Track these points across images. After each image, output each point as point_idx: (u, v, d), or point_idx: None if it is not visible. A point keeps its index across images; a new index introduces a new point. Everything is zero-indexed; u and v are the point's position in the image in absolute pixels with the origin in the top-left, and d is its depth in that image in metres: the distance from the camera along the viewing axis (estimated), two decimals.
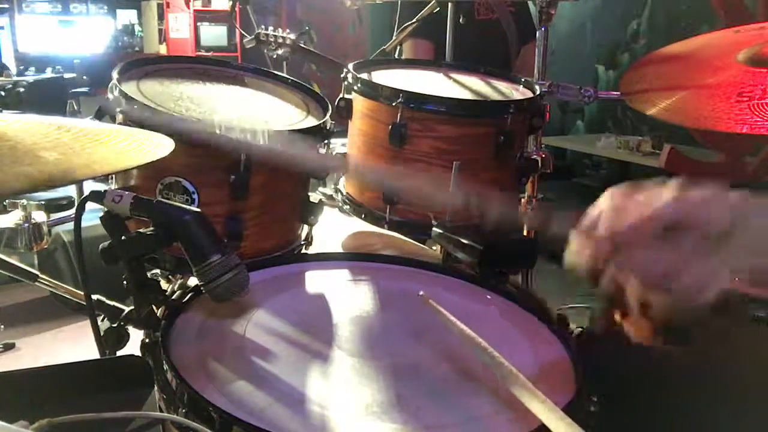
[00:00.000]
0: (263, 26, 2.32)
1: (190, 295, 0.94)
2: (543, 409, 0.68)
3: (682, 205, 0.64)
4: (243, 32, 2.58)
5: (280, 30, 2.37)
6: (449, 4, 1.87)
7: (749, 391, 0.94)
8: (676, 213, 0.64)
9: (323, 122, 1.24)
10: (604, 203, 0.69)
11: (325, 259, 1.15)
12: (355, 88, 1.34)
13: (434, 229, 1.18)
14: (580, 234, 0.69)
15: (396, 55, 2.13)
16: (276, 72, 1.50)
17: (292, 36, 2.32)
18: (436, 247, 1.42)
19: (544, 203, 1.70)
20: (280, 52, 2.33)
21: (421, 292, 0.90)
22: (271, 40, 2.33)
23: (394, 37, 1.99)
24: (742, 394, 0.94)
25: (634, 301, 0.67)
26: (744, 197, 0.65)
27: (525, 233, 1.69)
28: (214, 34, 7.58)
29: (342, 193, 1.43)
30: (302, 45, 2.35)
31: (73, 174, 0.69)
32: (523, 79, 1.50)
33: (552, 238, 0.70)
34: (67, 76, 6.59)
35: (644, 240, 0.64)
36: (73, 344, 2.83)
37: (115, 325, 1.07)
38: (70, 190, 2.55)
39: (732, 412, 0.94)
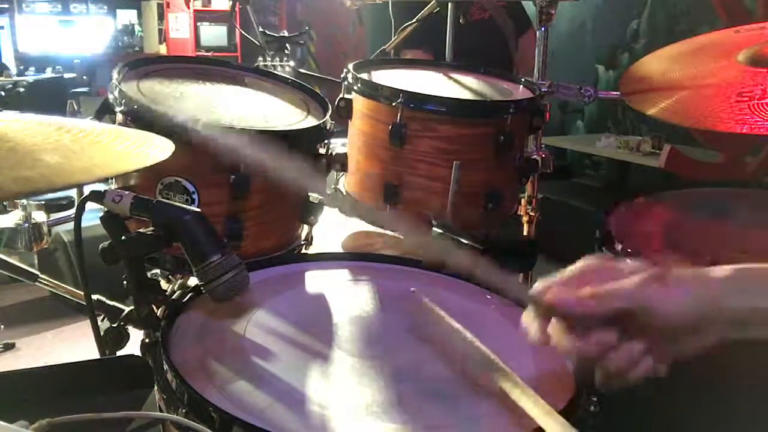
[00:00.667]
0: (261, 58, 2.32)
1: (190, 295, 0.94)
2: (535, 409, 0.69)
3: (640, 296, 0.64)
4: (243, 32, 2.58)
5: (277, 59, 2.39)
6: (448, 5, 1.87)
7: (747, 392, 0.94)
8: (630, 301, 0.64)
9: (323, 122, 1.24)
10: (576, 267, 0.70)
11: (325, 259, 1.15)
12: (355, 88, 1.34)
13: (434, 229, 1.18)
14: (536, 300, 0.70)
15: None
16: (276, 72, 1.50)
17: (291, 63, 2.34)
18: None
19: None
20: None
21: (412, 288, 0.90)
22: (270, 68, 2.35)
23: (394, 38, 1.99)
24: (741, 395, 0.94)
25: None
26: (726, 278, 0.65)
27: (525, 234, 1.70)
28: (214, 34, 7.58)
29: (342, 193, 1.43)
30: (303, 71, 2.36)
31: (73, 177, 0.69)
32: (523, 79, 1.50)
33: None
34: (67, 76, 6.59)
35: (586, 317, 0.66)
36: (73, 344, 2.83)
37: (115, 325, 1.07)
38: (70, 190, 2.55)
39: (731, 412, 0.94)
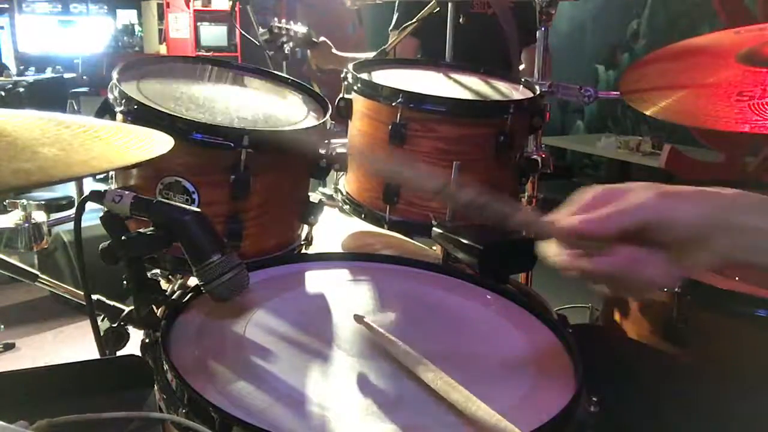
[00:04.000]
0: (276, 19, 2.34)
1: (190, 295, 0.94)
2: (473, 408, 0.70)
3: (651, 209, 0.65)
4: (243, 32, 2.58)
5: (292, 23, 2.40)
6: (448, 4, 1.87)
7: (749, 389, 0.94)
8: (640, 216, 0.65)
9: (323, 122, 1.24)
10: (580, 196, 0.71)
11: (325, 259, 1.15)
12: (355, 88, 1.34)
13: (434, 229, 1.18)
14: (548, 224, 0.70)
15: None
16: (276, 72, 1.50)
17: (304, 29, 2.34)
18: (436, 247, 1.42)
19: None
20: (291, 44, 2.36)
21: (355, 314, 0.90)
22: (283, 32, 2.36)
23: (394, 38, 1.99)
24: (742, 393, 0.94)
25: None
26: (732, 196, 0.66)
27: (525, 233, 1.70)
28: (214, 34, 7.58)
29: (342, 193, 1.43)
30: (313, 39, 2.36)
31: (72, 170, 0.69)
32: (523, 79, 1.50)
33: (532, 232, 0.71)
34: (67, 76, 6.60)
35: (605, 235, 0.66)
36: (73, 344, 2.83)
37: (115, 325, 1.07)
38: (70, 190, 2.55)
39: (731, 410, 0.94)
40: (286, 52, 2.36)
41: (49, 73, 6.85)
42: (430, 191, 0.67)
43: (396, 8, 2.41)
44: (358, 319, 0.89)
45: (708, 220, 0.64)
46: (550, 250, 0.71)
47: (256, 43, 2.43)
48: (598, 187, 0.70)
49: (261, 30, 2.37)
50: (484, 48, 2.16)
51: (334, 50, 2.45)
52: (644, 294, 0.66)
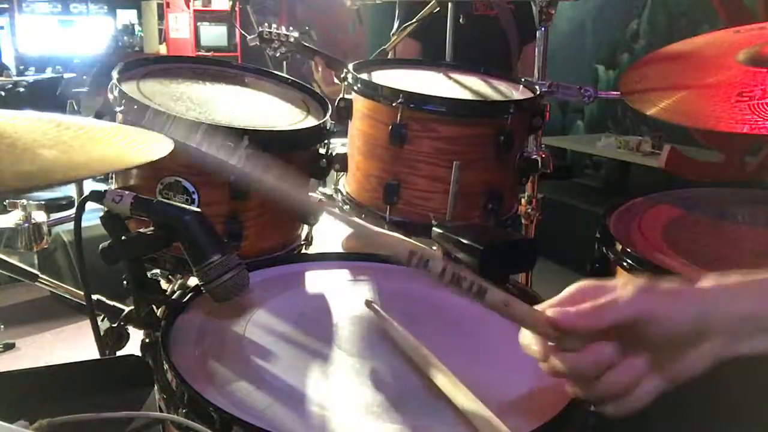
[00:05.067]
0: (266, 24, 2.32)
1: (190, 295, 0.94)
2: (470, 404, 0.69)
3: (636, 306, 0.61)
4: (243, 32, 2.58)
5: (283, 28, 2.38)
6: (449, 4, 1.87)
7: (749, 390, 0.94)
8: (626, 313, 0.61)
9: (323, 122, 1.24)
10: (567, 291, 0.67)
11: (325, 259, 1.15)
12: (355, 88, 1.34)
13: (434, 229, 1.18)
14: (529, 312, 0.66)
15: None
16: (276, 72, 1.50)
17: (296, 34, 2.32)
18: (436, 247, 1.41)
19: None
20: (283, 50, 2.33)
21: (366, 298, 0.91)
22: (275, 38, 2.34)
23: (394, 38, 1.99)
24: (742, 393, 0.94)
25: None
26: (722, 289, 0.62)
27: (524, 233, 1.70)
28: (214, 34, 7.58)
29: (342, 193, 1.43)
30: (306, 44, 2.35)
31: (72, 172, 0.69)
32: (523, 79, 1.50)
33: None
34: (67, 76, 6.60)
35: (584, 332, 0.62)
36: (73, 344, 2.83)
37: (115, 325, 1.07)
38: (70, 190, 2.55)
39: (732, 410, 0.94)
40: (277, 55, 2.35)
41: (49, 74, 6.85)
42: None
43: (397, 12, 2.40)
44: (368, 303, 0.90)
45: (695, 317, 0.61)
46: (526, 340, 0.68)
47: (257, 44, 2.43)
48: (586, 281, 0.67)
49: (250, 36, 2.35)
50: (486, 48, 2.16)
51: (336, 80, 2.44)
52: (618, 405, 0.62)
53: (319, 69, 2.26)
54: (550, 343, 0.66)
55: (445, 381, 0.74)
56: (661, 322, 0.61)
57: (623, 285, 0.64)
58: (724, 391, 0.92)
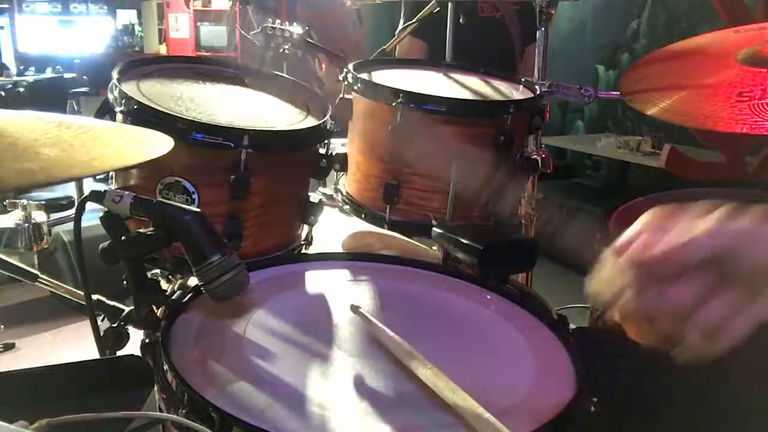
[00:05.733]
0: (270, 20, 2.31)
1: (190, 295, 0.94)
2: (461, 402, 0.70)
3: (723, 238, 0.57)
4: (243, 32, 2.58)
5: (286, 24, 2.38)
6: (449, 4, 1.87)
7: (750, 390, 0.94)
8: (713, 246, 0.56)
9: (323, 122, 1.24)
10: (643, 223, 0.62)
11: (325, 259, 1.15)
12: (355, 87, 1.34)
13: (434, 229, 1.18)
14: (609, 258, 0.61)
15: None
16: (276, 72, 1.50)
17: (300, 30, 2.32)
18: (436, 247, 1.42)
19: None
20: (286, 46, 2.33)
21: (351, 303, 0.91)
22: (278, 34, 2.34)
23: (394, 37, 1.99)
24: (742, 393, 0.94)
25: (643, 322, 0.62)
26: None
27: (524, 233, 1.69)
28: (214, 34, 7.58)
29: (342, 193, 1.43)
30: (308, 40, 2.35)
31: (73, 171, 0.69)
32: (523, 79, 1.50)
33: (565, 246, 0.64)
34: (67, 76, 6.60)
35: (672, 270, 0.58)
36: (73, 344, 2.83)
37: (115, 325, 1.07)
38: (70, 190, 2.55)
39: (732, 410, 0.94)
40: (280, 52, 2.35)
41: (49, 74, 6.85)
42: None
43: (402, 11, 2.40)
44: (354, 308, 0.90)
45: None
46: (598, 285, 0.62)
47: (256, 43, 2.42)
48: (655, 211, 0.62)
49: (252, 32, 2.35)
50: (490, 50, 2.17)
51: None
52: (717, 341, 0.56)
53: (323, 66, 2.26)
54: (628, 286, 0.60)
55: (439, 383, 0.74)
56: (749, 253, 0.56)
57: (704, 212, 0.59)
58: (724, 391, 0.93)
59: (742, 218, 0.58)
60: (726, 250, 0.56)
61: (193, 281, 0.95)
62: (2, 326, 2.75)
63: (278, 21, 2.28)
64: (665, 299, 0.58)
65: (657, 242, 0.59)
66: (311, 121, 1.26)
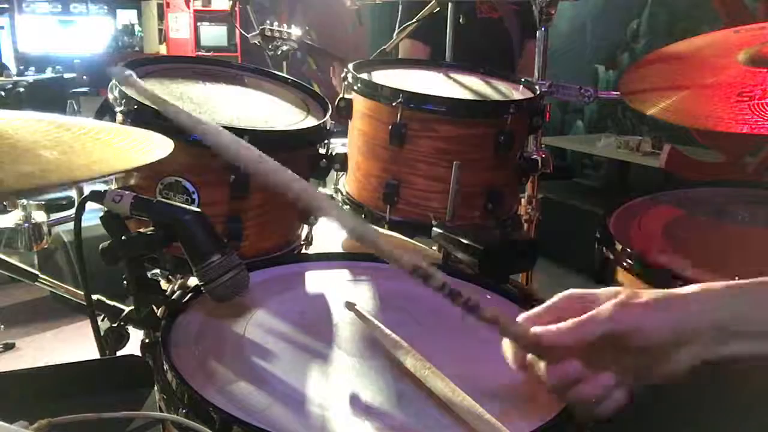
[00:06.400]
0: (268, 21, 2.32)
1: (190, 295, 0.94)
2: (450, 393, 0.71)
3: (613, 320, 0.64)
4: (243, 32, 2.58)
5: (285, 25, 2.38)
6: (449, 4, 1.87)
7: (750, 389, 0.94)
8: (606, 327, 0.65)
9: (323, 122, 1.24)
10: (553, 300, 0.72)
11: (325, 259, 1.15)
12: (355, 88, 1.34)
13: (434, 229, 1.18)
14: (514, 326, 0.70)
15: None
16: (276, 72, 1.50)
17: (298, 32, 2.32)
18: (436, 247, 1.42)
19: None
20: (284, 48, 2.33)
21: (346, 301, 0.91)
22: (276, 35, 2.34)
23: (394, 37, 1.99)
24: (743, 393, 0.94)
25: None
26: (694, 296, 0.65)
27: (524, 233, 1.69)
28: (214, 34, 7.58)
29: (342, 193, 1.43)
30: (307, 41, 2.35)
31: (73, 174, 0.69)
32: (523, 79, 1.50)
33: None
34: (67, 76, 6.59)
35: (565, 346, 0.66)
36: (73, 344, 2.83)
37: (115, 325, 1.07)
38: (70, 190, 2.55)
39: (732, 410, 0.94)
40: (279, 53, 2.35)
41: (49, 74, 6.84)
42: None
43: (399, 13, 2.41)
44: (350, 306, 0.90)
45: (676, 325, 0.63)
46: (509, 350, 0.73)
47: (256, 43, 2.42)
48: (569, 292, 0.71)
49: (252, 33, 2.35)
50: (490, 50, 2.17)
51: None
52: (588, 413, 0.67)
53: (338, 74, 2.27)
54: (530, 355, 0.71)
55: (437, 384, 0.74)
56: (640, 334, 0.64)
57: (604, 297, 0.67)
58: (724, 391, 0.92)
59: (634, 305, 0.65)
60: (617, 332, 0.64)
61: (193, 281, 0.95)
62: (2, 326, 2.76)
63: (276, 23, 2.29)
64: (549, 373, 0.68)
65: (559, 317, 0.68)
66: (311, 121, 1.26)
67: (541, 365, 0.69)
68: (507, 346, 0.73)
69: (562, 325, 0.67)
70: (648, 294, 0.66)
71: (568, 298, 0.71)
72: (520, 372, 0.73)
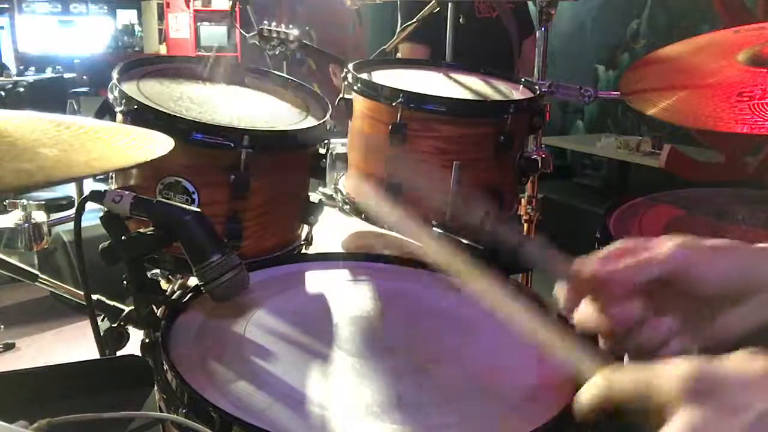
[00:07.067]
0: (266, 22, 2.31)
1: (190, 295, 0.94)
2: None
3: (678, 261, 0.60)
4: (243, 32, 2.57)
5: (283, 26, 2.38)
6: (449, 4, 1.87)
7: None
8: (666, 265, 0.60)
9: (323, 122, 1.24)
10: (608, 248, 0.66)
11: (325, 259, 1.15)
12: (355, 88, 1.34)
13: (434, 229, 1.18)
14: (572, 272, 0.65)
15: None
16: (276, 72, 1.50)
17: (296, 32, 2.32)
18: None
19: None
20: (282, 48, 2.33)
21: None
22: (274, 36, 2.33)
23: (394, 37, 1.99)
24: None
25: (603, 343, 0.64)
26: (765, 249, 0.60)
27: (524, 233, 1.70)
28: (214, 34, 7.58)
29: (342, 193, 1.43)
30: (306, 42, 2.35)
31: (72, 171, 0.69)
32: (523, 79, 1.50)
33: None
34: (67, 76, 6.60)
35: (624, 286, 0.61)
36: (73, 344, 2.83)
37: (115, 325, 1.07)
38: (70, 190, 2.55)
39: None
40: (278, 53, 2.35)
41: (49, 74, 6.85)
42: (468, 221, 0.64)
43: (399, 14, 2.41)
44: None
45: (739, 274, 0.59)
46: (561, 294, 0.67)
47: (256, 43, 2.42)
48: (625, 240, 0.66)
49: (250, 33, 2.35)
50: (489, 50, 2.17)
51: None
52: (652, 358, 0.60)
53: (338, 74, 2.27)
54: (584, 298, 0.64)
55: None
56: (702, 276, 0.59)
57: (664, 240, 0.62)
58: None
59: (699, 246, 0.61)
60: (678, 272, 0.59)
61: (193, 281, 0.95)
62: (2, 326, 2.76)
63: (274, 23, 2.28)
64: (610, 315, 0.61)
65: (617, 262, 0.62)
66: (311, 121, 1.26)
67: (596, 309, 0.63)
68: (560, 289, 0.67)
69: (622, 261, 0.62)
70: (710, 241, 0.62)
71: (624, 243, 0.65)
72: (570, 315, 0.66)
